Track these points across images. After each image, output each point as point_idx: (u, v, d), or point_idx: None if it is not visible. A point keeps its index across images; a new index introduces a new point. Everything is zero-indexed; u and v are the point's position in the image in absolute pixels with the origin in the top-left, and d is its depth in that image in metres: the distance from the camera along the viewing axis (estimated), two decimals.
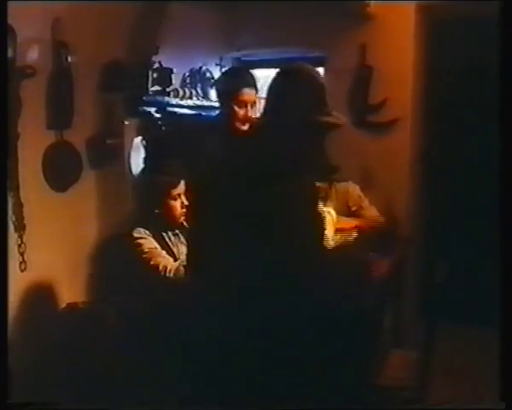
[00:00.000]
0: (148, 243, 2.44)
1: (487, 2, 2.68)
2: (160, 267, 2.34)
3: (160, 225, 2.54)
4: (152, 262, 2.37)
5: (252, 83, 2.81)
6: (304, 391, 1.63)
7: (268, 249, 1.58)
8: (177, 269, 2.32)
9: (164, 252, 2.46)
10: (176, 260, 2.46)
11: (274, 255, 1.59)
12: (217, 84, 3.13)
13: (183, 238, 2.60)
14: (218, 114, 3.03)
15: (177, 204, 2.53)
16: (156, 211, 2.53)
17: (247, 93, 2.75)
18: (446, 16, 3.75)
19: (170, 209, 2.53)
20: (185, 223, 2.61)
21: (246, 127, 2.78)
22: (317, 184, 2.75)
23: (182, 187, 2.55)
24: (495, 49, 1.82)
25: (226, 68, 3.36)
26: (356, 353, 1.93)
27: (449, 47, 3.88)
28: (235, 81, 2.79)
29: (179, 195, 2.54)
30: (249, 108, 2.76)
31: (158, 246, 2.46)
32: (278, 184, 1.61)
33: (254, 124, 2.78)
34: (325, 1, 3.49)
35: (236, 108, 2.74)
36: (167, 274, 2.32)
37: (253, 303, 1.64)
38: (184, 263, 2.33)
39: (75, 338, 2.55)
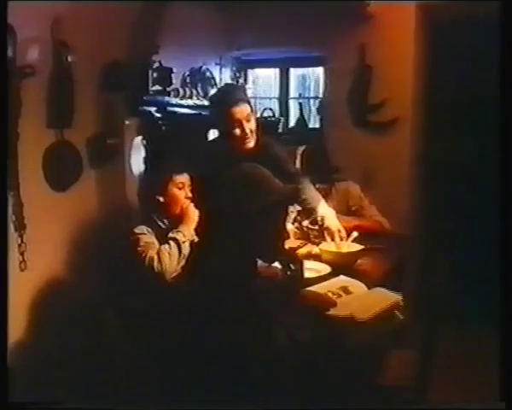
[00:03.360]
0: (147, 238, 2.43)
1: (487, 3, 2.68)
2: (148, 258, 2.34)
3: (162, 216, 2.53)
4: (144, 254, 2.37)
5: (239, 99, 2.65)
6: (304, 391, 1.63)
7: None
8: (152, 259, 2.32)
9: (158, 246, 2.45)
10: None
11: None
12: (210, 110, 3.02)
13: None
14: (221, 139, 2.89)
15: (180, 194, 2.53)
16: (160, 199, 2.52)
17: (237, 111, 2.61)
18: (446, 16, 3.75)
19: (173, 198, 2.52)
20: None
21: (250, 144, 2.68)
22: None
23: (186, 179, 2.55)
24: (495, 49, 1.82)
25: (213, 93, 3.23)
26: (355, 352, 1.93)
27: (449, 47, 3.88)
28: (223, 102, 2.67)
29: (183, 185, 2.53)
30: (245, 123, 2.63)
31: (156, 242, 2.46)
32: None
33: (257, 139, 2.70)
34: (325, 1, 3.49)
35: (232, 129, 2.63)
36: (151, 264, 2.32)
37: (252, 303, 1.64)
38: (161, 250, 2.36)
39: (75, 338, 2.55)
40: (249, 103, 2.71)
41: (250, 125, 2.65)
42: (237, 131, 2.62)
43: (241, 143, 2.65)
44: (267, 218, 1.69)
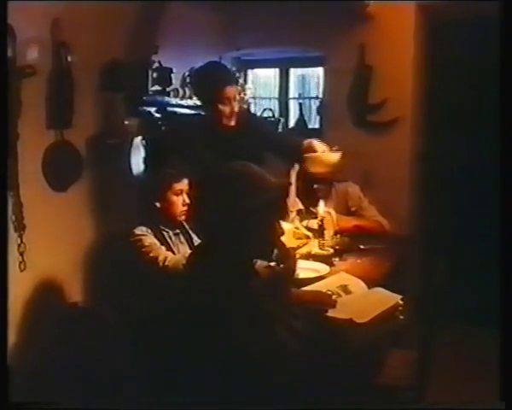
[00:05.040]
0: (149, 239, 2.44)
1: (487, 3, 2.68)
2: (160, 258, 2.34)
3: (160, 220, 2.53)
4: (152, 254, 2.37)
5: (232, 79, 2.90)
6: (303, 391, 1.63)
7: None
8: (177, 262, 2.31)
9: (164, 248, 2.46)
10: None
11: None
12: (195, 84, 3.13)
13: (183, 238, 2.60)
14: (204, 115, 3.04)
15: (178, 200, 2.53)
16: (157, 204, 2.53)
17: (230, 90, 2.79)
18: (446, 16, 3.75)
19: (171, 204, 2.53)
20: (185, 222, 2.61)
21: (233, 122, 2.84)
22: None
23: (185, 184, 2.55)
24: (495, 49, 1.82)
25: (201, 68, 3.31)
26: (355, 352, 1.93)
27: (449, 47, 3.88)
28: (216, 79, 2.82)
29: (181, 191, 2.54)
30: (233, 102, 2.80)
31: (158, 243, 2.46)
32: None
33: (240, 118, 2.85)
34: (325, 1, 3.49)
35: (221, 106, 2.78)
36: (166, 264, 2.32)
37: (251, 302, 1.64)
38: (185, 255, 2.33)
39: (75, 338, 2.55)
40: (237, 84, 2.97)
41: (236, 105, 2.83)
42: (226, 108, 2.78)
43: (227, 119, 2.81)
44: (262, 215, 1.69)
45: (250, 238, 1.70)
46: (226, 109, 2.78)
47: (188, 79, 3.61)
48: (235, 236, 1.69)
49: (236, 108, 2.82)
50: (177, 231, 2.60)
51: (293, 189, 3.03)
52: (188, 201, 2.54)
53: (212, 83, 2.82)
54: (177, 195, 2.53)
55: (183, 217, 2.57)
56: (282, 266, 2.16)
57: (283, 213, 1.93)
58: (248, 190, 1.69)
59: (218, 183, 1.75)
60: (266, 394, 1.58)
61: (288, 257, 2.22)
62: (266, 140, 2.96)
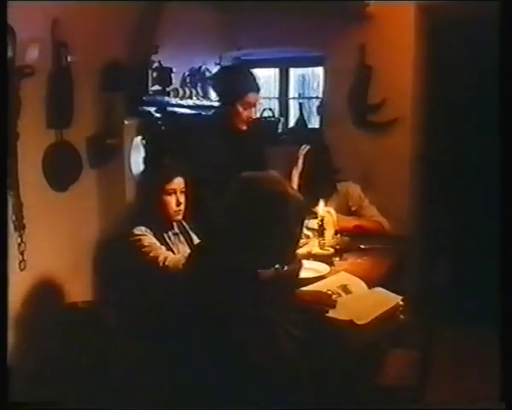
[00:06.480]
0: (149, 239, 2.44)
1: (487, 3, 2.68)
2: (161, 258, 2.34)
3: (155, 220, 2.53)
4: (152, 254, 2.37)
5: (257, 87, 2.95)
6: (304, 391, 1.63)
7: None
8: (177, 262, 2.31)
9: (164, 247, 2.46)
10: None
11: None
12: (220, 82, 3.14)
13: (182, 238, 2.60)
14: (219, 112, 3.06)
15: (171, 200, 2.52)
16: (153, 204, 2.53)
17: (253, 96, 2.90)
18: (446, 16, 3.75)
19: (163, 204, 2.52)
20: (182, 221, 2.61)
21: (245, 127, 2.90)
22: None
23: (178, 184, 2.54)
24: (495, 49, 1.82)
25: (229, 68, 3.38)
26: (355, 352, 1.93)
27: (449, 47, 3.88)
28: (243, 84, 2.90)
29: (175, 191, 2.53)
30: (253, 109, 2.90)
31: (157, 243, 2.46)
32: None
33: (252, 124, 2.92)
34: (325, 1, 3.49)
35: (241, 109, 2.87)
36: (166, 263, 2.32)
37: (255, 305, 1.64)
38: (185, 255, 2.33)
39: (75, 338, 2.55)
40: (259, 92, 3.01)
41: (254, 112, 2.94)
42: (244, 113, 2.88)
43: (242, 123, 2.90)
44: (286, 225, 1.68)
45: (255, 241, 1.69)
46: (244, 113, 2.88)
47: (188, 79, 3.62)
48: (238, 237, 1.68)
49: (253, 115, 2.93)
50: (177, 230, 2.60)
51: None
52: (182, 201, 2.54)
53: (238, 85, 2.90)
54: (170, 194, 2.52)
55: (179, 217, 2.57)
56: (286, 268, 2.15)
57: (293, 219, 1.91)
58: (274, 201, 1.67)
59: (242, 190, 1.73)
60: (266, 394, 1.58)
61: (293, 260, 2.21)
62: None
